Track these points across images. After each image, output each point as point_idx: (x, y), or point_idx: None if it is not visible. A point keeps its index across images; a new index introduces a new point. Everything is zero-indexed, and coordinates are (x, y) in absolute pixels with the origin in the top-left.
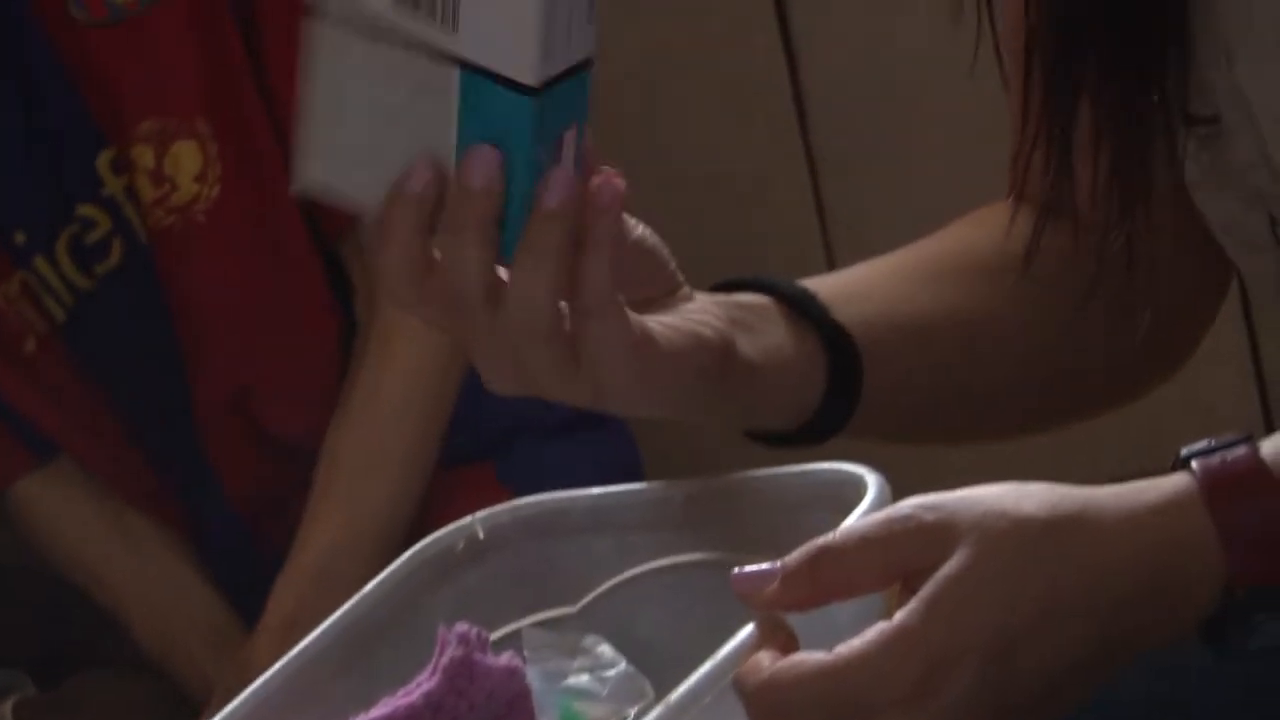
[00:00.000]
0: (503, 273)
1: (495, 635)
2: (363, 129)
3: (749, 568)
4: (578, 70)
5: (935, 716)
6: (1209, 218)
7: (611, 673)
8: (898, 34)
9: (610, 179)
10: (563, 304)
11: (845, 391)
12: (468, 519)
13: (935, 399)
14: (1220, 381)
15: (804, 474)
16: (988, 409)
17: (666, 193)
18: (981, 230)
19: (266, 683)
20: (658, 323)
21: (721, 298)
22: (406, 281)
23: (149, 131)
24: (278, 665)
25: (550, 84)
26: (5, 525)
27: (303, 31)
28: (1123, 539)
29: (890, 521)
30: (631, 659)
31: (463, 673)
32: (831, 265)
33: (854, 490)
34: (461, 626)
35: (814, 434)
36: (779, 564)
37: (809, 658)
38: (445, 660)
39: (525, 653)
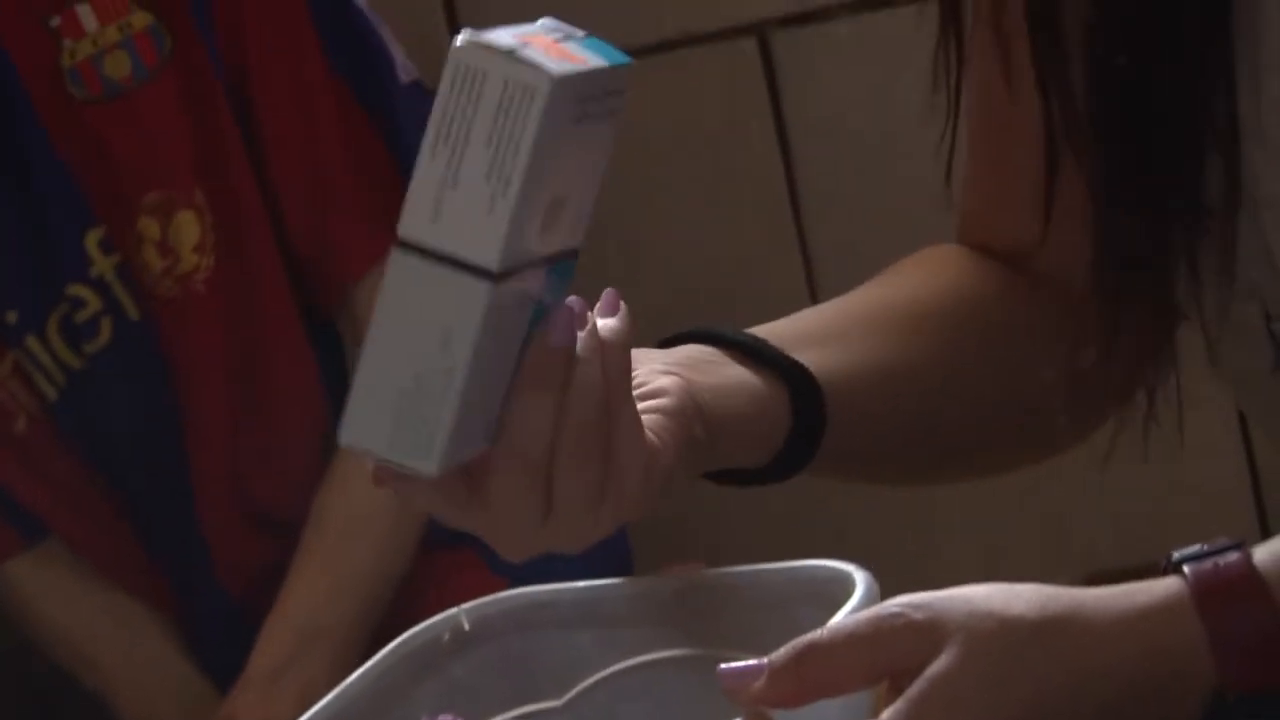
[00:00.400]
0: None
1: None
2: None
3: (735, 663)
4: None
5: None
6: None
7: None
8: (891, 124)
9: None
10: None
11: (809, 427)
12: (453, 610)
13: (892, 439)
14: (1214, 473)
15: (791, 570)
16: (945, 451)
17: (660, 279)
18: (925, 274)
19: None
20: (644, 418)
21: (667, 353)
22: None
23: (154, 203)
24: None
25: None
26: None
27: (303, 111)
28: (1112, 643)
29: (879, 619)
30: None
31: None
32: None
33: (841, 587)
34: (445, 719)
35: (778, 472)
36: (766, 660)
37: None
38: None
39: None
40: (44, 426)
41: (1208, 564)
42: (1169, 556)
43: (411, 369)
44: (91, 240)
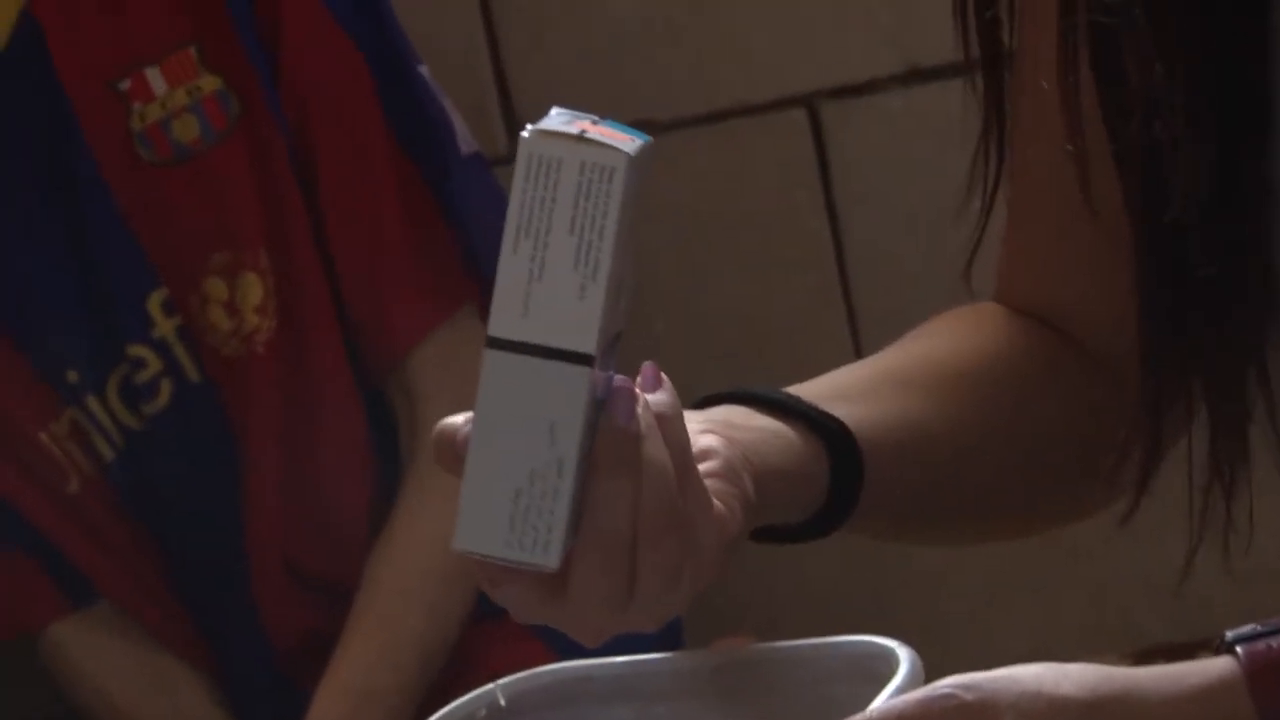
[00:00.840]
0: None
1: None
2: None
3: None
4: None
5: None
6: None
7: None
8: (939, 196)
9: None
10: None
11: (847, 480)
12: (490, 685)
13: (924, 495)
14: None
15: (834, 646)
16: (976, 510)
17: (708, 349)
18: (961, 332)
19: None
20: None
21: (701, 414)
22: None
23: (221, 264)
24: None
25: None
26: (39, 679)
27: (363, 179)
28: None
29: (929, 700)
30: None
31: None
32: None
33: (884, 664)
34: None
35: (817, 528)
36: None
37: None
38: None
39: None
40: (97, 487)
41: (1260, 644)
42: (1222, 636)
43: (524, 467)
44: (154, 302)
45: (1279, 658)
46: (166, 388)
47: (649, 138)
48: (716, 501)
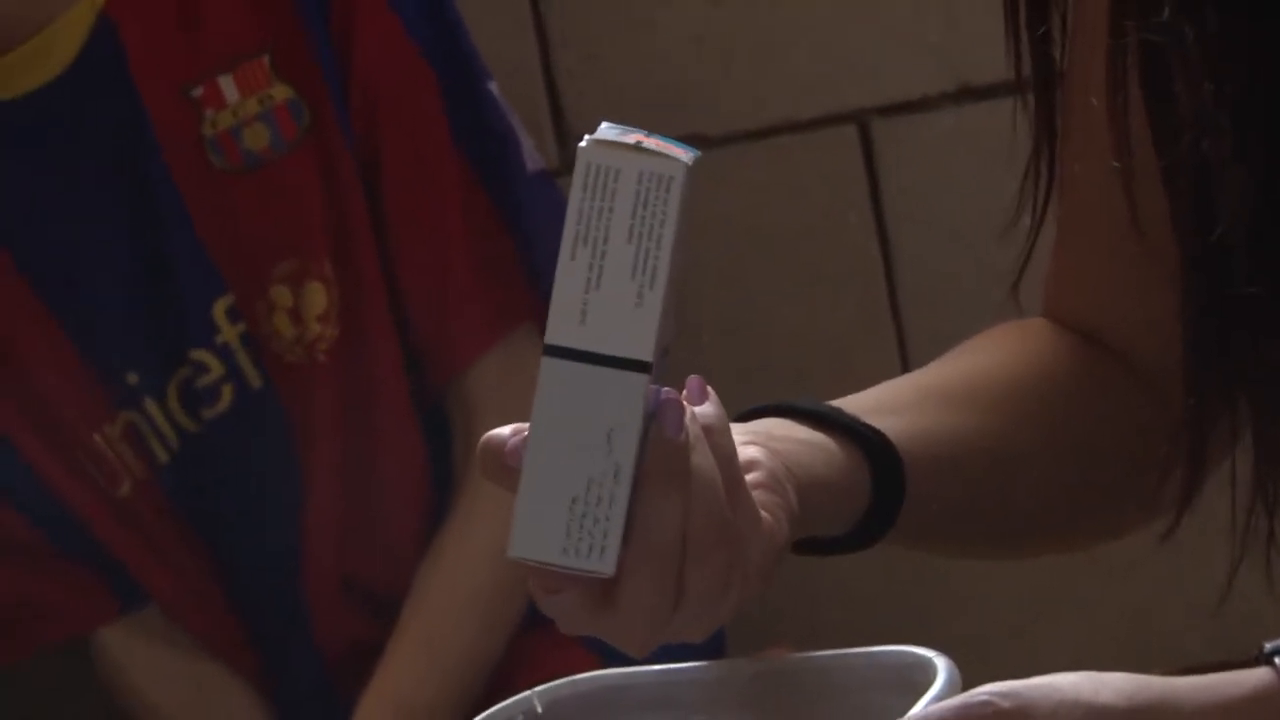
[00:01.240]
0: None
1: None
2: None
3: None
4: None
5: None
6: None
7: None
8: (990, 214)
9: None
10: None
11: (888, 491)
12: (527, 693)
13: (966, 509)
14: None
15: (871, 655)
16: (1017, 524)
17: (756, 366)
18: (1005, 347)
19: None
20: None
21: (743, 426)
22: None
23: (287, 272)
24: None
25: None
26: (87, 690)
27: (428, 192)
28: None
29: (967, 707)
30: None
31: None
32: None
33: (922, 673)
34: None
35: (858, 539)
36: None
37: None
38: None
39: None
40: (149, 492)
41: None
42: (1261, 647)
43: (580, 474)
44: (219, 308)
45: None
46: (228, 393)
47: (698, 150)
48: (764, 513)
